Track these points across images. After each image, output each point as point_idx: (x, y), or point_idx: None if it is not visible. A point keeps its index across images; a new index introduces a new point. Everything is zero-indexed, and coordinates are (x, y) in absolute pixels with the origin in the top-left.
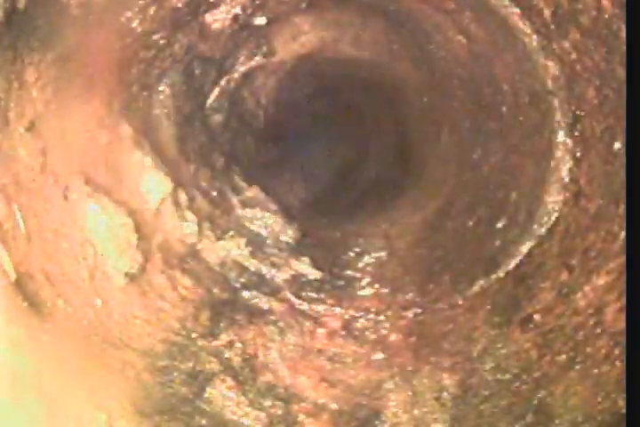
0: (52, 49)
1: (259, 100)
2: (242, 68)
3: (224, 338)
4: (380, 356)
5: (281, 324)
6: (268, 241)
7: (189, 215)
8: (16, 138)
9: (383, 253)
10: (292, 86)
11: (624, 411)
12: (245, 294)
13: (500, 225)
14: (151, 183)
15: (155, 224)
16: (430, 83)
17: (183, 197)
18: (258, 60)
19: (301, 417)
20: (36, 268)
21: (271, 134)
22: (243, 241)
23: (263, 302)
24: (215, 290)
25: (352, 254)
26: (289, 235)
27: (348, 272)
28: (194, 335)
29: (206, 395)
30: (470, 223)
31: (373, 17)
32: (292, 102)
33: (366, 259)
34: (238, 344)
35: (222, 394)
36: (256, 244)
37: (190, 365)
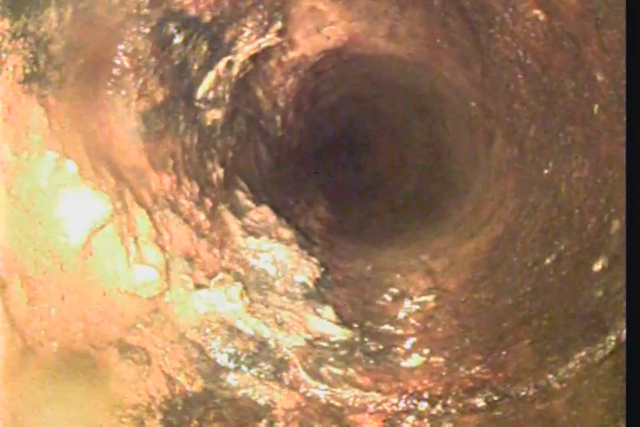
0: None
1: (276, 103)
2: (247, 48)
3: None
4: None
5: None
6: (275, 284)
7: (150, 252)
8: None
9: (429, 298)
10: (316, 88)
11: None
12: (231, 378)
13: (597, 267)
14: (74, 203)
15: (76, 271)
16: (481, 83)
17: (143, 225)
18: (270, 38)
19: None
20: None
21: (289, 144)
22: (237, 288)
23: (260, 393)
24: (179, 377)
25: (388, 298)
26: (306, 273)
27: (386, 327)
28: None
29: None
30: (548, 261)
31: (413, 5)
32: (316, 108)
33: (408, 305)
34: None
35: None
36: (257, 290)
37: None
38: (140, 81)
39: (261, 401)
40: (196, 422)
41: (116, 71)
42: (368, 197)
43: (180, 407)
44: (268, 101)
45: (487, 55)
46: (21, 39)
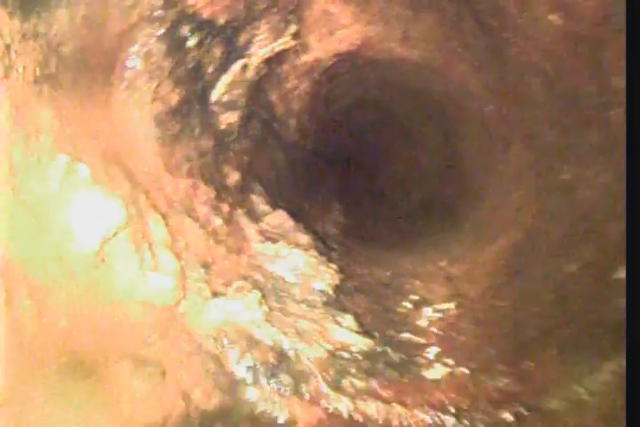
0: None
1: (289, 107)
2: (262, 52)
3: None
4: None
5: None
6: (294, 292)
7: (165, 260)
8: None
9: (451, 305)
10: (330, 92)
11: None
12: (250, 393)
13: (622, 275)
14: (86, 209)
15: (87, 280)
16: (497, 87)
17: (158, 231)
18: (284, 41)
19: None
20: None
21: (304, 148)
22: (255, 296)
23: (279, 408)
24: (195, 392)
25: (409, 306)
26: (326, 279)
27: (407, 335)
28: None
29: None
30: (572, 268)
31: (427, 9)
32: (330, 112)
33: (429, 313)
34: None
35: None
36: (276, 298)
37: None
38: (155, 84)
39: (281, 418)
40: None
41: (129, 74)
42: (383, 202)
43: (196, 426)
44: (282, 105)
45: (502, 60)
46: (31, 40)
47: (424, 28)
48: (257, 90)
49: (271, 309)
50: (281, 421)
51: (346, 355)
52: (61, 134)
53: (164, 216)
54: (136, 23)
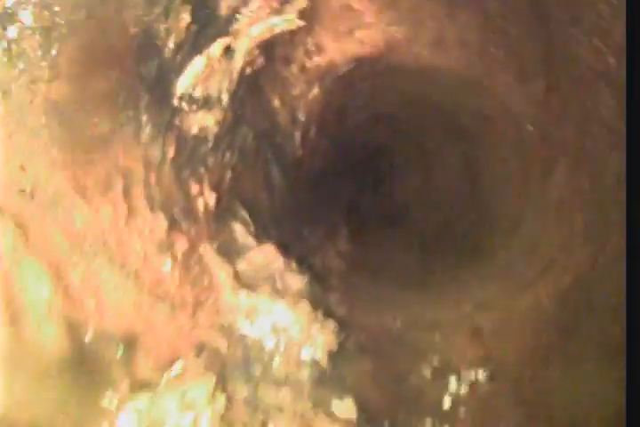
0: None
1: (295, 116)
2: (255, 29)
3: None
4: None
5: None
6: (273, 363)
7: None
8: None
9: (481, 374)
10: (344, 102)
11: None
12: None
13: None
14: None
15: None
16: (544, 101)
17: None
18: (288, 19)
19: None
20: None
21: (310, 165)
22: (206, 384)
23: None
24: None
25: (427, 373)
26: (319, 344)
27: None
28: None
29: None
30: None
31: (464, 6)
32: (342, 125)
33: (454, 386)
34: None
35: None
36: (245, 379)
37: None
38: (53, 48)
39: None
40: None
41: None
42: (396, 229)
43: None
44: (286, 114)
45: (558, 65)
46: None
47: (461, 31)
48: (252, 89)
49: (232, 401)
50: None
51: None
52: None
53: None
54: None
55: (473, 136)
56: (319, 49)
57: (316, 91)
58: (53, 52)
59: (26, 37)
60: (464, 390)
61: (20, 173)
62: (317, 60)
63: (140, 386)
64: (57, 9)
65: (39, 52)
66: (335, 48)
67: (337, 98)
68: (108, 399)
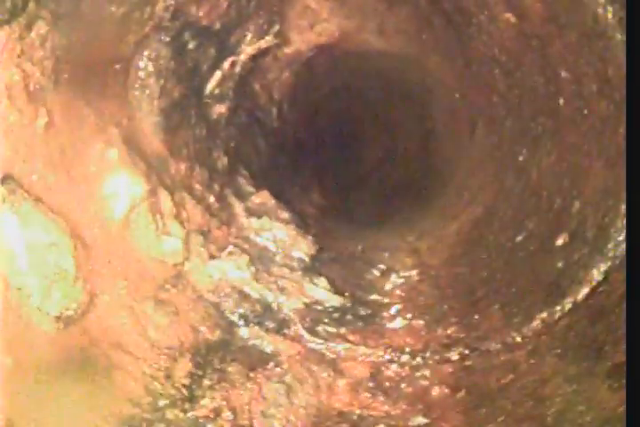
0: None
1: (271, 96)
2: (249, 49)
3: (206, 404)
4: (420, 420)
5: (288, 378)
6: (276, 258)
7: (172, 227)
8: None
9: (414, 273)
10: (310, 81)
11: None
12: (243, 331)
13: (560, 242)
14: (117, 184)
15: (119, 239)
16: (463, 75)
17: (167, 204)
18: (269, 40)
19: None
20: None
21: (285, 134)
22: (244, 259)
23: (267, 343)
24: (202, 328)
25: (377, 273)
26: (303, 249)
27: (374, 297)
28: (161, 404)
29: None
30: (519, 239)
31: (400, 2)
32: (309, 100)
33: (394, 279)
34: (227, 413)
35: None
36: (261, 262)
37: None
38: (162, 82)
39: (268, 350)
40: (217, 363)
41: (142, 74)
42: (360, 185)
43: (203, 351)
44: (265, 94)
45: (468, 52)
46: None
47: (398, 22)
48: (243, 83)
49: (257, 270)
50: (268, 351)
51: (320, 308)
52: (92, 126)
53: (170, 193)
54: (148, 32)
55: (420, 104)
56: (287, 42)
57: (286, 74)
58: None
59: None
60: (400, 280)
61: None
62: (286, 50)
63: (212, 256)
64: None
65: None
66: (300, 40)
67: (303, 78)
68: None
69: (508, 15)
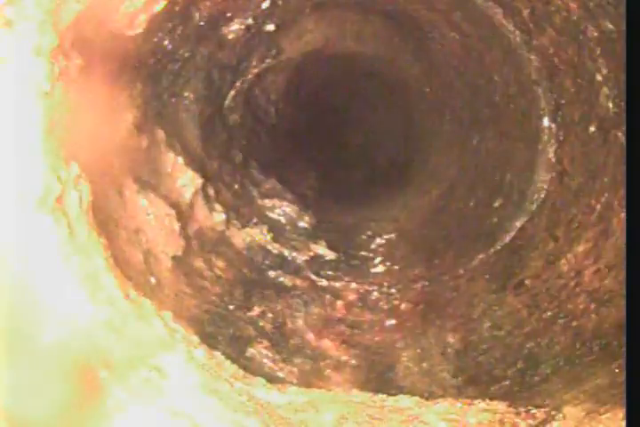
0: None
1: (269, 97)
2: (255, 70)
3: (257, 309)
4: (392, 322)
5: (305, 297)
6: (287, 227)
7: (217, 206)
8: None
9: (393, 235)
10: (301, 81)
11: (597, 356)
12: (271, 273)
13: (497, 204)
14: (184, 179)
15: (189, 214)
16: (430, 74)
17: (211, 191)
18: (269, 62)
19: (327, 371)
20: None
21: (282, 128)
22: (265, 228)
23: (287, 280)
24: (245, 270)
25: (364, 237)
26: (305, 221)
27: (362, 253)
28: (231, 307)
29: (247, 354)
30: (471, 204)
31: (373, 14)
32: (301, 96)
33: (378, 241)
34: (269, 314)
35: (260, 353)
36: (277, 230)
37: (231, 331)
38: (201, 106)
39: (288, 283)
40: (258, 290)
41: (187, 102)
42: (351, 168)
43: (248, 283)
44: (263, 96)
45: (430, 55)
46: None
47: (372, 29)
48: (249, 94)
49: (275, 235)
50: (289, 285)
51: (322, 260)
52: (165, 143)
53: (212, 183)
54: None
55: (399, 97)
56: (281, 52)
57: (281, 78)
58: None
59: None
60: (383, 241)
61: None
62: (280, 58)
63: (244, 225)
64: None
65: None
66: (291, 49)
67: (295, 79)
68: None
69: (453, 34)
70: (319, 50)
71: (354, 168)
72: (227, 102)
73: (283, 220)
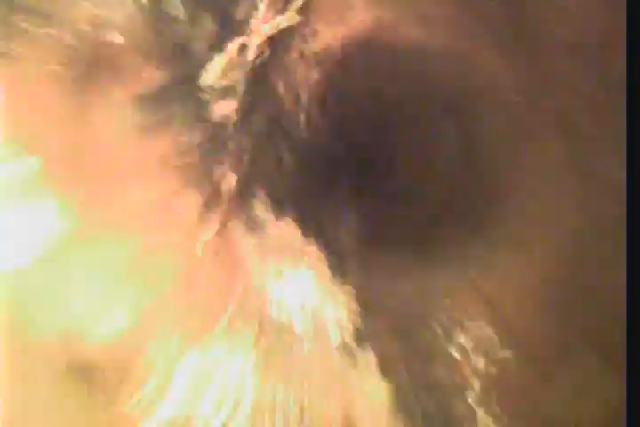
0: None
1: (298, 99)
2: (263, 28)
3: None
4: None
5: None
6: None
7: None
8: None
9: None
10: (341, 83)
11: None
12: None
13: None
14: None
15: None
16: (532, 76)
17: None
18: (289, 17)
19: None
20: None
21: (313, 144)
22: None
23: None
24: None
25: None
26: (339, 311)
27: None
28: None
29: None
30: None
31: None
32: (342, 105)
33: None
34: None
35: None
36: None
37: None
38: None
39: None
40: None
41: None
42: (402, 205)
43: None
44: (290, 97)
45: (536, 41)
46: None
47: (444, 10)
48: (261, 77)
49: None
50: None
51: None
52: None
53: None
54: None
55: (465, 110)
56: (315, 35)
57: (315, 74)
58: None
59: None
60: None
61: None
62: (315, 45)
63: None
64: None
65: None
66: (329, 33)
67: (335, 80)
68: None
69: None
70: (367, 37)
71: (409, 205)
72: (206, 76)
73: (296, 317)
